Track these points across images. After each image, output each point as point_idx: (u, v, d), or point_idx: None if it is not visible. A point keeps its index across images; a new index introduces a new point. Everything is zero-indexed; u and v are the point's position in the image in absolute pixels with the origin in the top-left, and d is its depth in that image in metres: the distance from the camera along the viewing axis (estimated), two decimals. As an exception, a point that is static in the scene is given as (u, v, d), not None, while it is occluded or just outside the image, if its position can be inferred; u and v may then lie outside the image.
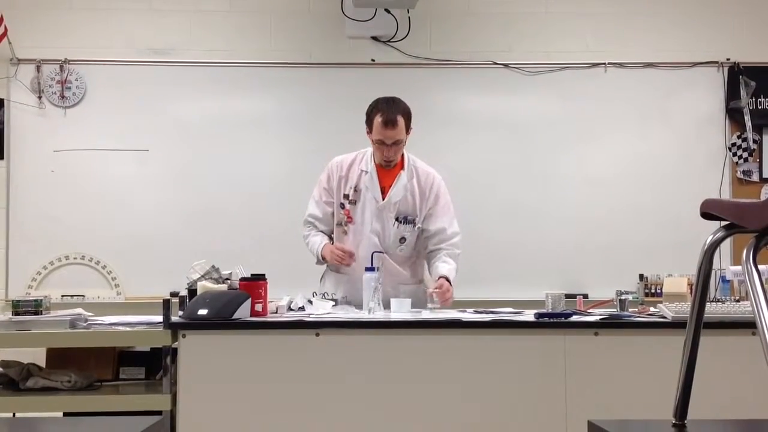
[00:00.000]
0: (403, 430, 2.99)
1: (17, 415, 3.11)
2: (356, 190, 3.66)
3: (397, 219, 3.66)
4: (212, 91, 5.10)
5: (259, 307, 3.15)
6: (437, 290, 3.48)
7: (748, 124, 5.12)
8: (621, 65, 5.17)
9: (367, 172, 3.66)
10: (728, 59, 5.16)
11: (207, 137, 5.08)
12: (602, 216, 5.12)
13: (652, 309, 3.30)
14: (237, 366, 3.01)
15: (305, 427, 2.99)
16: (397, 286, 3.65)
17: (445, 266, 3.63)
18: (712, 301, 3.27)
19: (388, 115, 3.53)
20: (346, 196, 3.68)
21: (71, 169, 5.01)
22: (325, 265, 3.81)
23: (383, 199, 3.65)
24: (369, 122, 3.60)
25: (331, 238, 3.78)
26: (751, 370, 2.77)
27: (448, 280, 3.57)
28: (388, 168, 3.65)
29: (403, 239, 3.68)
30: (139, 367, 3.36)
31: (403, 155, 3.69)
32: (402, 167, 3.68)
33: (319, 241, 3.71)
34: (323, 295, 3.66)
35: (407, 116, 3.58)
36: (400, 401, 3.00)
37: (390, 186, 3.66)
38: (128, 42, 5.09)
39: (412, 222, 3.68)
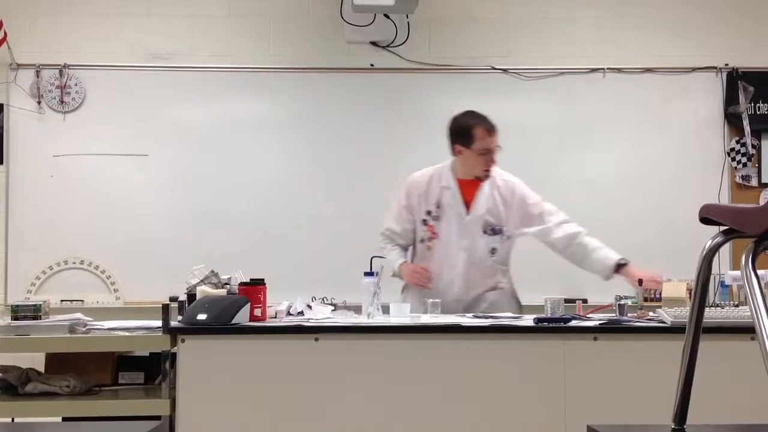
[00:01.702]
0: (402, 434, 2.99)
1: (16, 419, 3.11)
2: (438, 206, 3.68)
3: (485, 231, 3.67)
4: (211, 95, 5.10)
5: (258, 312, 3.16)
6: (650, 282, 3.49)
7: (747, 129, 5.12)
8: (619, 70, 5.17)
9: (448, 188, 3.68)
10: (727, 64, 5.16)
11: (206, 142, 5.08)
12: (601, 221, 5.08)
13: (651, 314, 3.30)
14: (236, 371, 3.01)
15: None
16: (483, 295, 3.71)
17: (604, 251, 3.65)
18: (711, 306, 3.28)
19: (487, 123, 3.60)
20: (428, 212, 3.69)
21: (70, 173, 5.01)
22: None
23: (468, 213, 3.66)
24: (466, 136, 3.60)
25: (405, 250, 3.83)
26: (750, 375, 2.77)
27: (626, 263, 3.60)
28: (486, 179, 3.65)
29: (494, 250, 3.70)
30: (138, 372, 3.37)
31: None
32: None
33: (395, 257, 3.76)
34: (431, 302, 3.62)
35: None
36: (399, 406, 3.00)
37: (472, 199, 3.67)
38: (128, 47, 5.09)
39: (500, 232, 3.70)
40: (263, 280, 3.22)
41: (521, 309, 3.81)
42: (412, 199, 3.73)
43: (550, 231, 3.70)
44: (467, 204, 3.68)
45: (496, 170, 3.72)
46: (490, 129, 3.58)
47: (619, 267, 3.61)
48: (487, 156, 3.60)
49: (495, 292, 3.75)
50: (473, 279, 3.70)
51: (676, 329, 2.93)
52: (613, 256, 3.63)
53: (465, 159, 3.65)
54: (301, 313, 3.39)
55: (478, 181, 3.67)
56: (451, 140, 3.67)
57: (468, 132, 3.60)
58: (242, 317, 3.08)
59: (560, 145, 5.16)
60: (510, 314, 3.48)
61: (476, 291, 3.71)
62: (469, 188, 3.69)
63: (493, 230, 3.69)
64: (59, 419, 3.10)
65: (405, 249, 3.84)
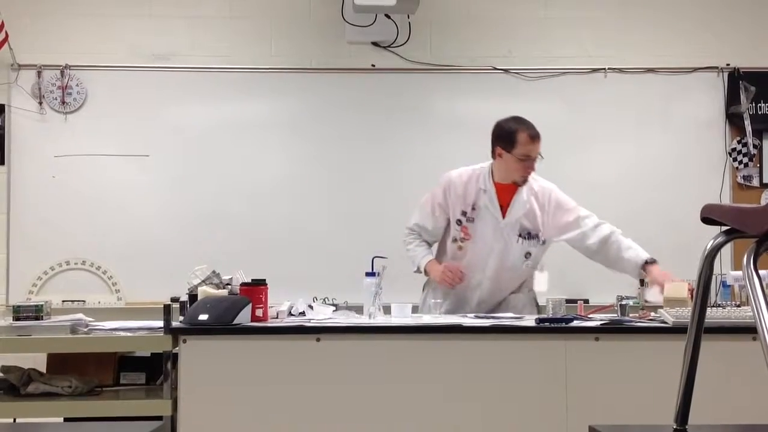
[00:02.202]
0: (403, 435, 2.99)
1: (18, 420, 3.12)
2: (474, 208, 3.66)
3: (520, 235, 3.67)
4: (213, 96, 5.10)
5: (259, 312, 3.16)
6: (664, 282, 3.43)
7: (748, 129, 5.11)
8: (621, 70, 5.17)
9: (485, 190, 3.67)
10: (728, 64, 5.16)
11: (208, 143, 5.08)
12: (603, 221, 5.11)
13: (652, 314, 3.30)
14: (238, 371, 3.02)
15: (306, 433, 3.00)
16: (508, 297, 3.73)
17: (634, 250, 3.61)
18: (713, 306, 3.27)
19: (532, 129, 3.57)
20: (463, 213, 3.68)
21: (72, 174, 5.01)
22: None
23: (504, 218, 3.66)
24: (509, 140, 3.57)
25: (431, 246, 3.82)
26: (751, 375, 2.77)
27: (654, 261, 3.56)
28: (523, 185, 3.65)
29: (528, 254, 3.70)
30: (139, 373, 3.37)
31: None
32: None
33: (422, 253, 3.75)
34: (433, 303, 3.62)
35: None
36: (400, 406, 3.00)
37: (508, 204, 3.66)
38: (129, 47, 5.09)
39: (536, 237, 3.69)
40: (265, 280, 3.22)
41: (539, 310, 3.80)
42: (449, 198, 3.71)
43: (586, 236, 3.68)
44: (503, 208, 3.66)
45: (532, 176, 3.71)
46: (533, 136, 3.56)
47: (647, 266, 3.57)
48: (527, 162, 3.58)
49: (518, 295, 3.76)
50: (502, 282, 3.71)
51: (677, 329, 2.92)
52: (643, 256, 3.59)
53: (504, 163, 3.62)
54: (302, 313, 3.39)
55: (515, 186, 3.66)
56: (493, 143, 3.64)
57: (511, 136, 3.57)
58: (244, 318, 3.08)
59: (561, 145, 5.13)
60: (511, 315, 3.48)
61: (502, 294, 3.72)
62: (506, 192, 3.67)
63: (529, 235, 3.68)
64: (61, 420, 3.10)
65: (430, 245, 3.84)
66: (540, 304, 3.85)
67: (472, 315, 3.47)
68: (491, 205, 3.65)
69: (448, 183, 3.72)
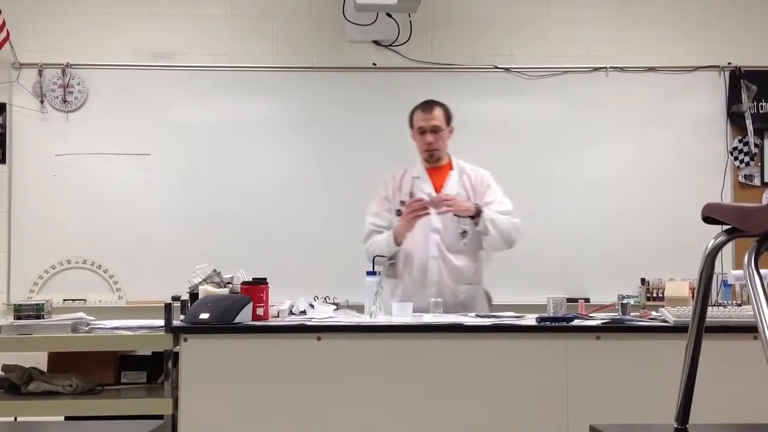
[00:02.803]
0: (404, 434, 2.99)
1: (19, 419, 3.12)
2: (411, 195, 3.80)
3: (455, 214, 3.73)
4: (214, 95, 5.10)
5: (260, 311, 3.16)
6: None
7: (750, 128, 5.11)
8: (622, 69, 5.17)
9: (418, 177, 3.84)
10: (729, 63, 5.16)
11: (209, 141, 5.08)
12: (604, 220, 5.12)
13: (653, 313, 3.30)
14: (239, 370, 3.02)
15: (306, 431, 3.00)
16: (458, 287, 3.76)
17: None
18: (714, 305, 3.27)
19: (425, 105, 3.84)
20: (402, 203, 3.81)
21: (73, 173, 5.01)
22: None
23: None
24: (411, 121, 3.88)
25: None
26: (752, 374, 2.77)
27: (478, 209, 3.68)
28: (433, 162, 3.84)
29: (465, 233, 3.77)
30: (140, 371, 3.37)
31: (450, 159, 3.88)
32: (451, 168, 3.86)
33: (385, 235, 3.80)
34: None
35: (444, 109, 3.86)
36: (401, 405, 3.00)
37: (442, 186, 3.83)
38: (130, 46, 5.09)
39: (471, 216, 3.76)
40: (266, 279, 3.22)
41: (491, 305, 3.85)
42: (388, 191, 3.88)
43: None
44: (437, 190, 3.81)
45: (464, 164, 3.88)
46: (424, 108, 3.81)
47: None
48: (423, 136, 3.79)
49: (471, 286, 3.81)
50: (447, 264, 3.75)
51: (678, 328, 2.93)
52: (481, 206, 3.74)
53: (417, 142, 3.86)
54: (303, 312, 3.39)
55: (447, 168, 3.84)
56: None
57: (411, 115, 3.87)
58: (244, 316, 3.08)
59: (563, 144, 5.15)
60: (512, 313, 3.48)
61: (452, 280, 3.75)
62: (439, 176, 3.86)
63: None
64: (62, 418, 3.10)
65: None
66: (527, 302, 3.91)
67: (473, 314, 3.47)
68: (426, 186, 3.80)
69: (386, 178, 3.93)
